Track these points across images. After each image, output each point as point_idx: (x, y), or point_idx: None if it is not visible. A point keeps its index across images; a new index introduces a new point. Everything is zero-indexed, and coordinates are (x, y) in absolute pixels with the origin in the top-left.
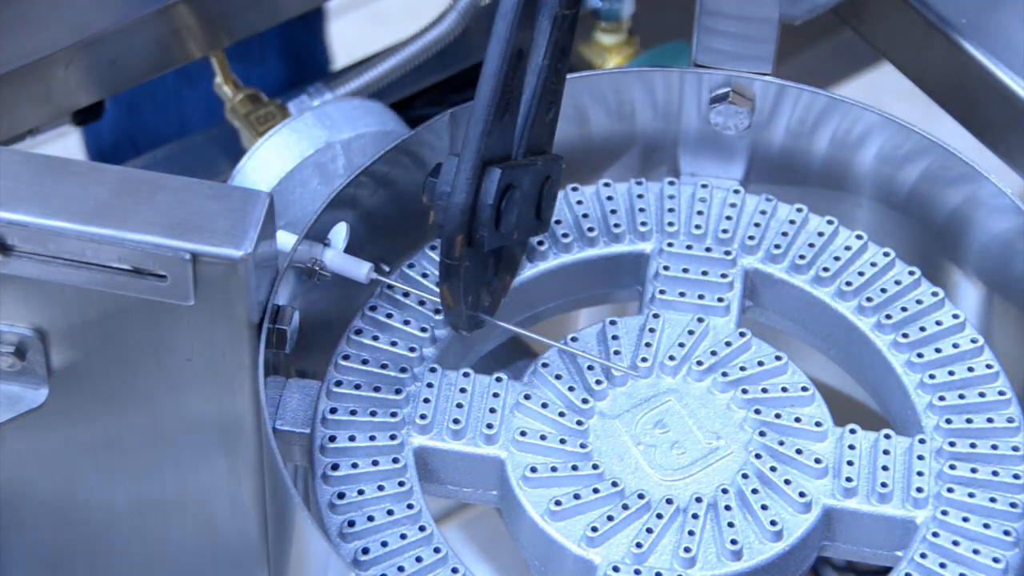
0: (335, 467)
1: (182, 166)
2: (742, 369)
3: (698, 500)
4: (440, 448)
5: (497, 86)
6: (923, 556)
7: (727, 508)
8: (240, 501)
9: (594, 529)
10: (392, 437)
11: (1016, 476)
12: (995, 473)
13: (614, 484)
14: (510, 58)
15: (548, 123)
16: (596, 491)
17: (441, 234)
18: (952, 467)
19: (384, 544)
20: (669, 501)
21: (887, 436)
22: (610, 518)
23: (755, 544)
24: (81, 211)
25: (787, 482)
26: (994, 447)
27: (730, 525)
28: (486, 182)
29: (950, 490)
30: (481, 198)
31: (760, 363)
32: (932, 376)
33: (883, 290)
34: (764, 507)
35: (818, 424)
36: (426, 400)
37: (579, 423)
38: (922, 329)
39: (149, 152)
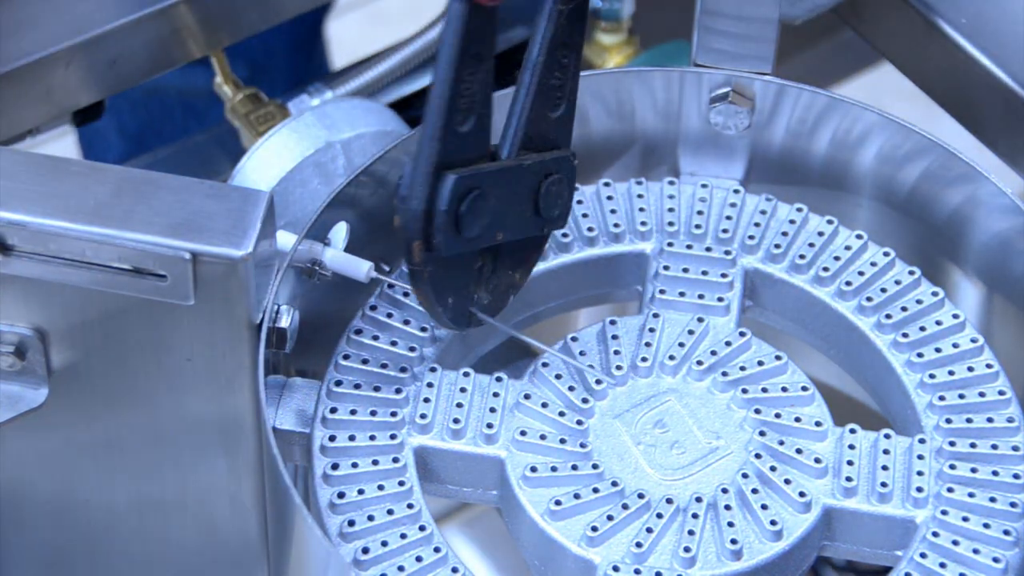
0: (335, 467)
1: (182, 166)
2: (742, 369)
3: (698, 500)
4: (440, 448)
5: (447, 91)
6: (923, 556)
7: (727, 508)
8: (240, 501)
9: (594, 529)
10: (392, 437)
11: (1016, 476)
12: (995, 473)
13: (614, 484)
14: (462, 62)
15: (557, 120)
16: (596, 491)
17: (400, 239)
18: (952, 467)
19: (384, 544)
20: (669, 501)
21: (887, 436)
22: (610, 518)
23: (755, 544)
24: (81, 211)
25: (787, 482)
26: (994, 447)
27: (730, 525)
28: (440, 188)
29: (950, 490)
30: (436, 203)
31: (760, 363)
32: (932, 376)
33: (883, 290)
34: (764, 507)
35: (818, 424)
36: (426, 400)
37: (579, 423)
38: (922, 329)
39: (149, 152)
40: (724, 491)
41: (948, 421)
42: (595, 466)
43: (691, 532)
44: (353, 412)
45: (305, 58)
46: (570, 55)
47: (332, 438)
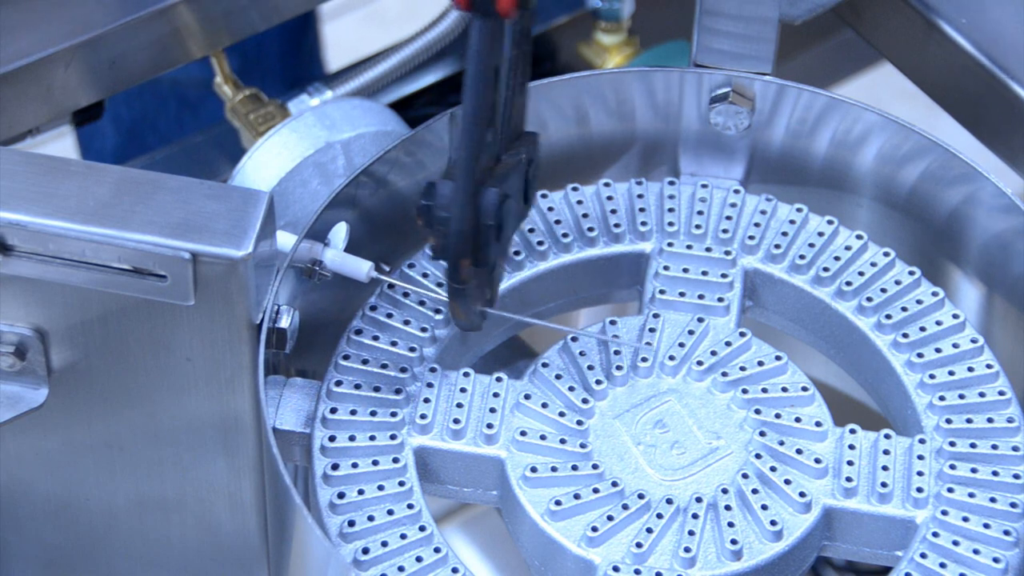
0: (335, 467)
1: (182, 166)
2: (742, 369)
3: (698, 500)
4: (440, 448)
5: (483, 111)
6: (923, 556)
7: (727, 508)
8: (240, 501)
9: (594, 529)
10: (392, 437)
11: (1016, 476)
12: (995, 473)
13: (614, 484)
14: (489, 78)
15: (521, 105)
16: (596, 491)
17: (446, 259)
18: (952, 467)
19: (384, 544)
20: (669, 501)
21: (887, 436)
22: (610, 518)
23: (755, 544)
24: (81, 211)
25: (787, 482)
26: (994, 447)
27: (730, 525)
28: (484, 203)
29: (950, 490)
30: (482, 219)
31: (760, 363)
32: (932, 376)
33: (883, 290)
34: (764, 507)
35: (818, 424)
36: (426, 400)
37: (579, 423)
38: (922, 329)
39: (145, 146)
40: (724, 491)
41: (948, 421)
42: (595, 466)
43: (691, 532)
44: (353, 412)
45: (296, 48)
46: (526, 41)
47: (332, 438)
